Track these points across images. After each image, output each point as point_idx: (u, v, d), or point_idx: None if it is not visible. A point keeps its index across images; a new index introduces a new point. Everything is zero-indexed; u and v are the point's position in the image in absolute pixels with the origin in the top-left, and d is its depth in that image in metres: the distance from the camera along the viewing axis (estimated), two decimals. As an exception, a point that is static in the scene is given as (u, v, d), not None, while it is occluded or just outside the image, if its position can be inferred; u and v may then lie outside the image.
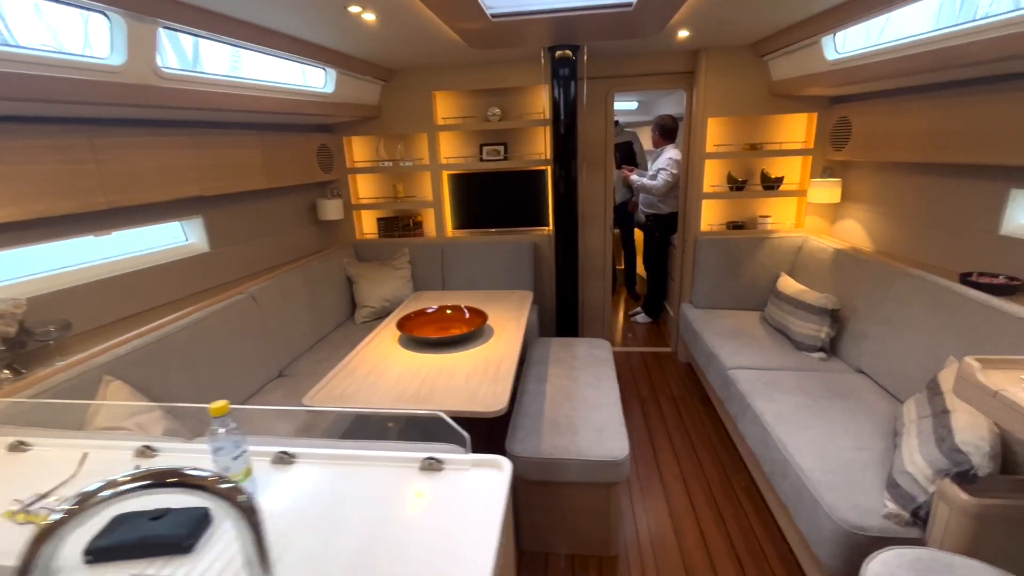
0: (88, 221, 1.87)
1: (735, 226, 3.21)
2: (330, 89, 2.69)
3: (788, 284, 2.73)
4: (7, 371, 1.47)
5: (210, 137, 2.27)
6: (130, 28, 1.57)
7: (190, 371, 1.91)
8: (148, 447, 1.05)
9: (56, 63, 1.45)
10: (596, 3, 1.91)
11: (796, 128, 3.05)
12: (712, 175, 3.16)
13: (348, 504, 0.90)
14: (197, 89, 1.89)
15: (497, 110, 3.18)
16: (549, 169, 3.16)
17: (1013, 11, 1.46)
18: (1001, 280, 1.84)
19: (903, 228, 2.43)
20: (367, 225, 3.57)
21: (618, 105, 5.58)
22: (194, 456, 1.06)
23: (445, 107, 3.31)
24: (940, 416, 1.50)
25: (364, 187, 3.52)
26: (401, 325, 2.20)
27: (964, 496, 1.22)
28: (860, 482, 1.54)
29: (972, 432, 1.35)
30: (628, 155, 4.50)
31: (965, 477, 1.27)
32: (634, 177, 3.94)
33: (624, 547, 1.91)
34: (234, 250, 2.58)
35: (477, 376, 1.82)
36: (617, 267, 5.17)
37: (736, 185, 3.12)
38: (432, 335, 2.12)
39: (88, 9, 1.50)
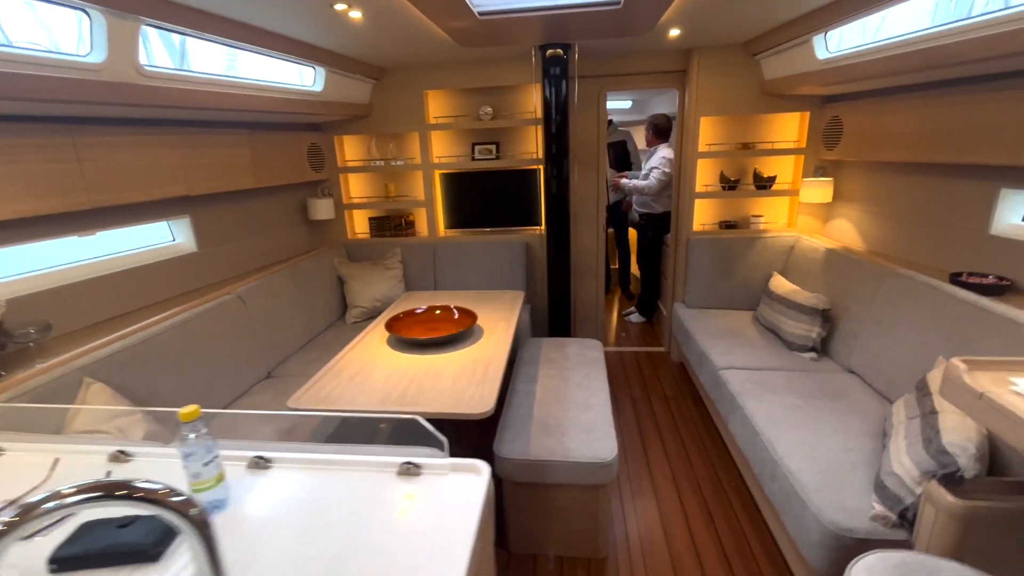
0: (71, 221, 1.85)
1: (728, 226, 3.20)
2: (319, 88, 2.67)
3: (780, 284, 2.72)
4: (-15, 374, 1.45)
5: (197, 136, 2.25)
6: (111, 25, 1.55)
7: (175, 373, 1.89)
8: (122, 452, 1.03)
9: (35, 61, 1.43)
10: (584, 1, 1.90)
11: (788, 127, 3.04)
12: (704, 175, 3.15)
13: (323, 509, 0.89)
14: (181, 88, 1.87)
15: (489, 109, 3.16)
16: (541, 168, 3.14)
17: (1000, 10, 1.45)
18: (991, 280, 1.83)
19: (894, 228, 2.42)
20: (359, 225, 3.55)
21: (612, 104, 5.59)
22: (171, 461, 1.03)
23: (437, 106, 3.29)
24: (928, 417, 1.49)
25: (356, 186, 3.50)
26: (390, 326, 2.18)
27: (950, 498, 1.21)
28: (848, 483, 1.53)
29: (959, 433, 1.34)
30: (622, 154, 4.49)
31: (951, 479, 1.26)
32: (624, 181, 3.93)
33: (613, 548, 1.90)
34: (223, 250, 2.55)
35: (465, 377, 1.80)
36: (611, 266, 5.15)
37: (728, 185, 3.11)
38: (421, 336, 2.11)
39: (67, 6, 1.48)
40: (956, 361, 1.17)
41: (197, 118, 2.25)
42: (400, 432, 2.54)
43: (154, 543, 0.78)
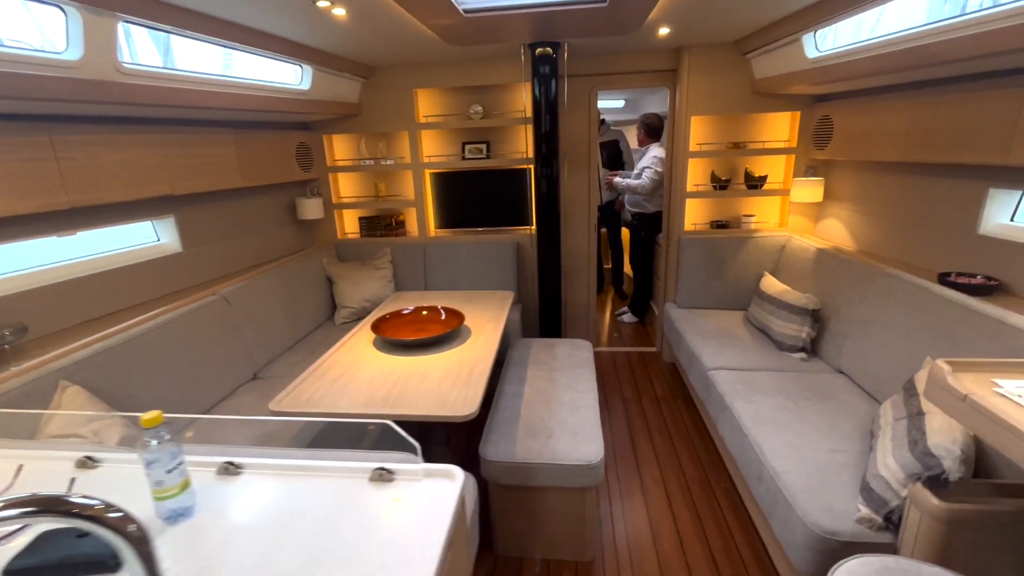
0: (50, 221, 1.82)
1: (719, 225, 3.19)
2: (306, 86, 2.64)
3: (771, 284, 2.71)
4: (-43, 377, 1.42)
5: (181, 135, 2.22)
6: (87, 22, 1.52)
7: (156, 375, 1.86)
8: (89, 458, 1.01)
9: (10, 58, 1.40)
10: (570, -1, 1.88)
11: (779, 127, 3.03)
12: (696, 174, 3.14)
13: (292, 517, 0.87)
14: (162, 86, 1.84)
15: (479, 108, 3.14)
16: (531, 168, 3.12)
17: (987, 9, 1.44)
18: (979, 280, 1.83)
19: (884, 227, 2.41)
20: (349, 224, 3.52)
21: (605, 103, 5.57)
22: (140, 467, 1.01)
23: (426, 105, 3.26)
24: (915, 418, 1.48)
25: (345, 186, 3.47)
26: (376, 327, 2.16)
27: (935, 501, 1.20)
28: (835, 485, 1.52)
29: (945, 435, 1.33)
30: (614, 154, 4.47)
31: (936, 481, 1.25)
32: (617, 180, 3.92)
33: (600, 551, 1.89)
34: (209, 250, 2.52)
35: (450, 379, 1.78)
36: (605, 266, 5.14)
37: (720, 184, 3.10)
38: (407, 337, 2.08)
39: (43, 2, 1.45)
40: (940, 362, 1.16)
41: (181, 116, 2.22)
42: (388, 436, 2.52)
43: (113, 554, 0.75)
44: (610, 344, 3.79)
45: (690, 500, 2.13)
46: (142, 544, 0.49)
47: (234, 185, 2.53)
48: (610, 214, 4.55)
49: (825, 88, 2.54)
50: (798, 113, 2.90)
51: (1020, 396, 1.05)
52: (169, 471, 0.82)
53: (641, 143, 3.91)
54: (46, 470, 0.99)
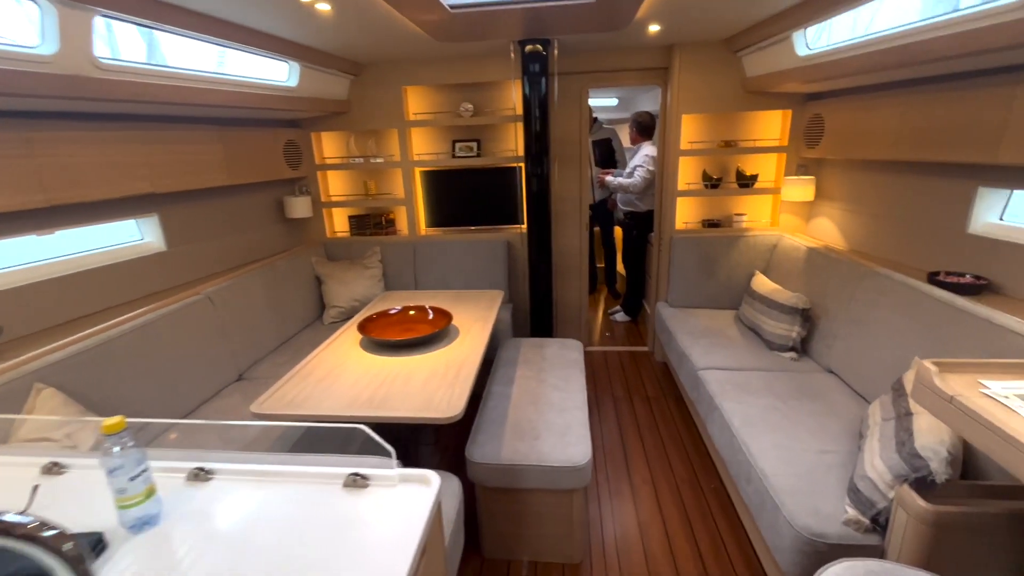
0: (27, 220, 1.78)
1: (710, 224, 3.18)
2: (293, 83, 2.60)
3: (762, 283, 2.70)
4: (-74, 379, 1.39)
5: (164, 132, 2.18)
6: (62, 15, 1.49)
7: (136, 377, 1.83)
8: (56, 463, 0.98)
9: (-21, 52, 1.36)
10: (558, -5, 1.86)
11: (771, 125, 3.02)
12: (687, 173, 3.12)
13: (262, 524, 0.84)
14: (140, 81, 1.80)
15: (469, 105, 3.11)
16: (522, 166, 3.10)
17: (976, 6, 1.43)
18: (968, 280, 1.82)
19: (875, 226, 2.41)
20: (338, 223, 3.49)
21: (598, 101, 5.55)
22: (108, 472, 0.99)
23: (416, 102, 3.23)
24: (903, 419, 1.47)
25: (334, 184, 3.43)
26: (362, 327, 2.13)
27: (921, 503, 1.19)
28: (823, 487, 1.51)
29: (932, 436, 1.32)
30: (607, 152, 4.45)
31: (923, 483, 1.24)
32: (609, 179, 3.90)
33: (589, 553, 1.87)
34: (195, 249, 2.49)
35: (436, 380, 1.76)
36: (598, 265, 5.13)
37: (711, 183, 3.08)
38: (393, 337, 2.06)
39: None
40: (927, 363, 1.14)
41: (163, 113, 2.18)
42: (366, 446, 2.50)
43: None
44: (602, 343, 3.78)
45: (679, 501, 2.12)
46: (78, 563, 0.46)
47: (219, 183, 2.49)
48: (603, 213, 4.53)
49: (816, 86, 2.53)
50: (789, 111, 2.89)
51: (1007, 398, 1.04)
52: (132, 478, 0.79)
53: (633, 141, 3.89)
54: (10, 477, 0.96)
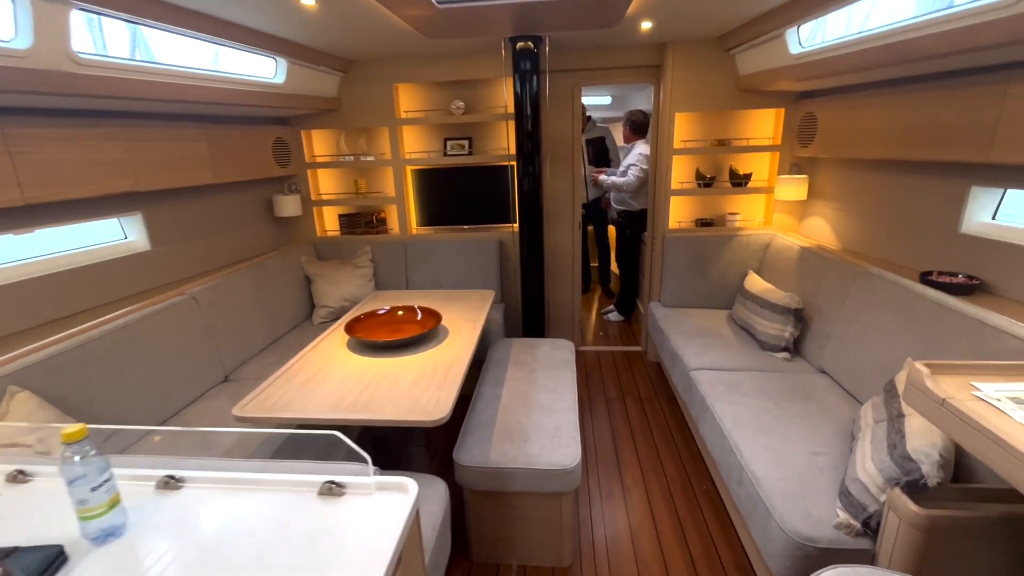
0: (4, 218, 1.74)
1: (704, 223, 3.16)
2: (281, 80, 2.56)
3: (755, 282, 2.68)
4: None
5: (146, 129, 2.14)
6: (36, 8, 1.44)
7: (117, 379, 1.79)
8: (21, 472, 0.94)
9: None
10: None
11: (764, 124, 3.00)
12: (680, 171, 3.10)
13: (232, 534, 0.81)
14: (121, 77, 1.76)
15: (461, 103, 3.08)
16: (514, 165, 3.07)
17: (968, 3, 1.41)
18: (960, 279, 1.80)
19: (868, 226, 2.39)
20: (329, 222, 3.45)
21: (591, 100, 5.53)
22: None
23: (407, 100, 3.20)
24: (895, 420, 1.45)
25: (325, 182, 3.39)
26: (349, 328, 2.09)
27: (913, 507, 1.17)
28: (814, 490, 1.49)
29: (925, 439, 1.30)
30: (601, 151, 4.43)
31: (915, 487, 1.22)
32: (603, 178, 3.87)
33: (579, 557, 1.85)
34: (180, 248, 2.44)
35: (423, 382, 1.73)
36: (592, 264, 5.11)
37: (704, 182, 3.07)
38: (381, 338, 2.03)
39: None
40: (918, 365, 1.12)
41: (145, 110, 2.14)
42: (359, 444, 2.45)
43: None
44: (596, 343, 3.75)
45: (671, 503, 2.10)
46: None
47: (205, 181, 2.45)
48: (597, 212, 4.51)
49: (809, 85, 2.51)
50: (782, 110, 2.87)
51: (999, 400, 1.02)
52: (94, 488, 0.76)
53: (627, 140, 3.87)
54: (-29, 486, 0.93)
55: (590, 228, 4.79)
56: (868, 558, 1.31)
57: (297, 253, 3.09)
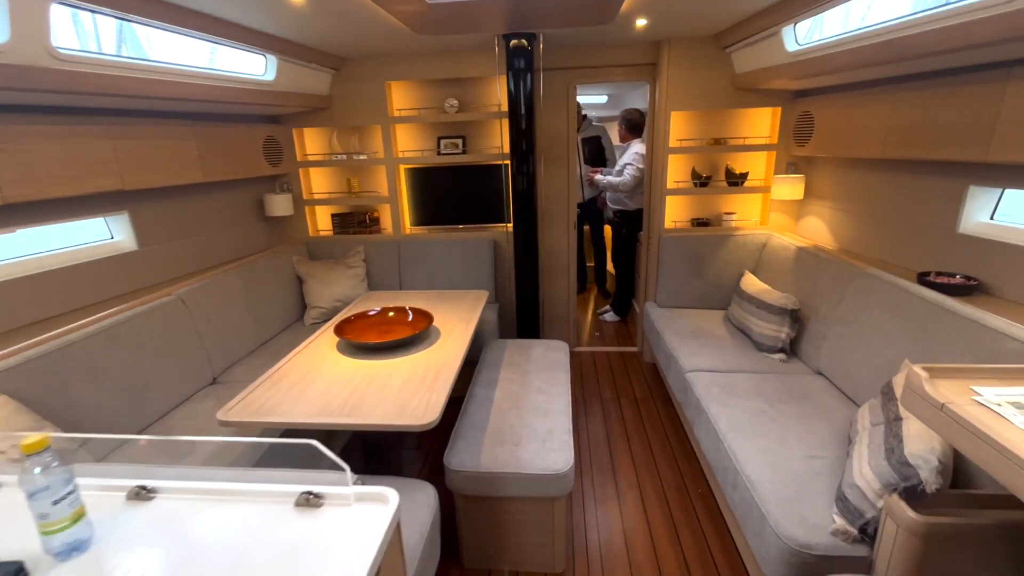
0: None
1: (700, 223, 3.13)
2: (271, 77, 2.52)
3: (751, 283, 2.66)
4: None
5: (133, 126, 2.10)
6: (12, 2, 1.40)
7: (101, 382, 1.75)
8: (-12, 481, 0.91)
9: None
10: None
11: (760, 123, 2.98)
12: (676, 171, 3.07)
13: (205, 547, 0.78)
14: (103, 73, 1.71)
15: (455, 101, 3.04)
16: (509, 164, 3.03)
17: (965, 0, 1.38)
18: (958, 280, 1.78)
19: (865, 225, 2.37)
20: (321, 221, 3.41)
21: (587, 99, 5.50)
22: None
23: (400, 98, 3.16)
24: (892, 424, 1.42)
25: (317, 181, 3.35)
26: (339, 329, 2.06)
27: (911, 513, 1.14)
28: (810, 494, 1.46)
29: (923, 443, 1.27)
30: (597, 150, 4.40)
31: (913, 492, 1.19)
32: (598, 177, 3.84)
33: (572, 562, 1.82)
34: (168, 248, 2.40)
35: (413, 384, 1.69)
36: (588, 264, 5.08)
37: (700, 181, 3.04)
38: (371, 340, 1.99)
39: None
40: (917, 368, 1.09)
41: (132, 107, 2.09)
42: (347, 450, 2.41)
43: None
44: (591, 344, 3.73)
45: (666, 507, 2.07)
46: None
47: (193, 180, 2.41)
48: (593, 211, 4.48)
49: (805, 83, 2.48)
50: (779, 109, 2.85)
51: (1000, 405, 0.99)
52: (56, 502, 0.72)
53: (622, 139, 3.84)
54: (-66, 496, 0.89)
55: (586, 228, 4.75)
56: (865, 565, 1.29)
57: (288, 253, 3.05)
